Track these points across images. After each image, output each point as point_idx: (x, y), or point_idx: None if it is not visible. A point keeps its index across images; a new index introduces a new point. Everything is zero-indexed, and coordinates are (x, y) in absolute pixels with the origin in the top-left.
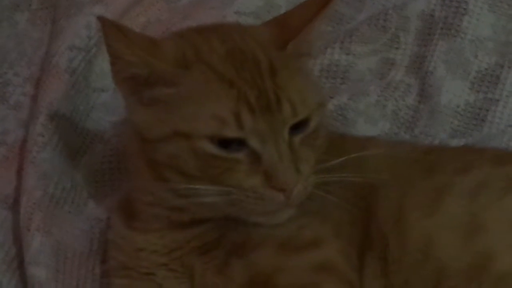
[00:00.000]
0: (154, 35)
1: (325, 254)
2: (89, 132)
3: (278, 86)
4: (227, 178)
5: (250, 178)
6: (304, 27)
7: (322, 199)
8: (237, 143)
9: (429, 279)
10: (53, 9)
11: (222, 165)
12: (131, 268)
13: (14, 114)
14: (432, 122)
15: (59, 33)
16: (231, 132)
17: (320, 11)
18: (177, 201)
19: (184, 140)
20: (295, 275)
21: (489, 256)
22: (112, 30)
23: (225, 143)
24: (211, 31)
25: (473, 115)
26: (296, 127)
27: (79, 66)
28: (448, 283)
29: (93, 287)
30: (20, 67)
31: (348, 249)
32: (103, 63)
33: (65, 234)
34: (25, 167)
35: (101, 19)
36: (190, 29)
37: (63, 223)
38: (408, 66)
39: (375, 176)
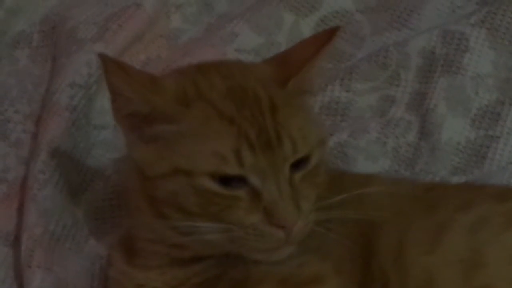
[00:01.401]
0: (154, 72)
1: None
2: (89, 169)
3: (279, 123)
4: (227, 215)
5: (251, 215)
6: (305, 64)
7: (323, 236)
8: (238, 180)
9: None
10: (53, 47)
11: (222, 202)
12: None
13: (14, 151)
14: (433, 159)
15: (59, 70)
16: (231, 169)
17: (321, 48)
18: (178, 239)
19: (184, 177)
20: None
21: None
22: (112, 67)
23: (225, 180)
24: (211, 68)
25: (474, 152)
26: (297, 165)
27: (80, 103)
28: None
29: None
30: (21, 104)
31: (349, 286)
32: (103, 100)
33: (66, 271)
34: (26, 204)
35: (101, 56)
36: (191, 66)
37: (64, 260)
38: (409, 103)
39: (376, 214)
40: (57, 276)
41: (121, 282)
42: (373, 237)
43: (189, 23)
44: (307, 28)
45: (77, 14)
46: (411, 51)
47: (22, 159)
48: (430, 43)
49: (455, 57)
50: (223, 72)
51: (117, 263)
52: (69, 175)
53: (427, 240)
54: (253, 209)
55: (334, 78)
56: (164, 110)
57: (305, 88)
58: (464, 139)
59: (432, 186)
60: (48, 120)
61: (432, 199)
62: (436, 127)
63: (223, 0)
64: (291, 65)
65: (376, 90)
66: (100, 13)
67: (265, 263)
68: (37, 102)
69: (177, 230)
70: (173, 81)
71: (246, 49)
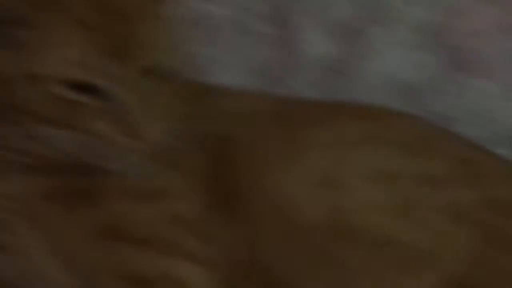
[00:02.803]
0: None
1: (176, 204)
2: None
3: (131, 30)
4: (78, 123)
5: (99, 122)
6: None
7: (175, 148)
8: (87, 87)
9: (288, 235)
10: None
11: (72, 109)
12: None
13: None
14: (292, 74)
15: None
16: (81, 75)
17: None
18: (27, 145)
19: (34, 82)
20: (144, 224)
21: (348, 211)
22: None
23: (75, 86)
24: None
25: (334, 68)
26: (149, 73)
27: None
28: (307, 239)
29: None
30: None
31: (201, 200)
32: None
33: None
34: None
35: None
36: None
37: None
38: (268, 15)
39: (232, 127)
40: None
41: None
42: (229, 152)
43: None
44: None
45: None
46: None
47: None
48: None
49: None
50: None
51: None
52: None
53: (284, 156)
54: (101, 116)
55: None
56: (16, 12)
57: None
58: (324, 54)
59: (290, 100)
60: None
61: (290, 114)
62: (296, 40)
63: None
64: None
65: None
66: None
67: (116, 173)
68: None
69: (26, 136)
70: None
71: None
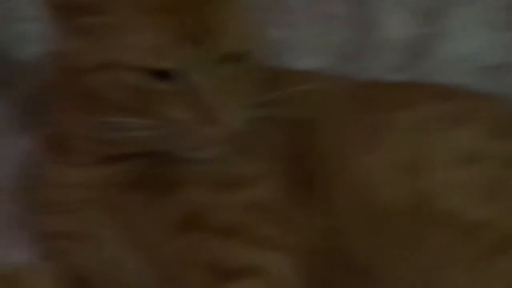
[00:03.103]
0: None
1: (259, 192)
2: (14, 64)
3: (210, 16)
4: (156, 111)
5: (179, 110)
6: None
7: (257, 135)
8: (167, 75)
9: (372, 218)
10: None
11: (151, 97)
12: (58, 204)
13: None
14: (372, 56)
15: None
16: (160, 63)
17: None
18: (107, 135)
19: (112, 71)
20: (227, 213)
21: (432, 194)
22: None
23: (155, 74)
24: None
25: (415, 50)
26: (229, 59)
27: None
28: (392, 221)
29: (21, 224)
30: None
31: (285, 187)
32: None
33: None
34: None
35: None
36: None
37: None
38: None
39: (313, 111)
40: None
41: (47, 181)
42: (311, 137)
43: None
44: None
45: None
46: None
47: None
48: None
49: None
50: None
51: (44, 161)
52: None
53: (366, 140)
54: (182, 104)
55: None
56: (93, 1)
57: None
58: (405, 36)
59: (371, 83)
60: None
61: (371, 97)
62: (375, 22)
63: None
64: None
65: None
66: None
67: (197, 162)
68: None
69: (106, 126)
70: None
71: None
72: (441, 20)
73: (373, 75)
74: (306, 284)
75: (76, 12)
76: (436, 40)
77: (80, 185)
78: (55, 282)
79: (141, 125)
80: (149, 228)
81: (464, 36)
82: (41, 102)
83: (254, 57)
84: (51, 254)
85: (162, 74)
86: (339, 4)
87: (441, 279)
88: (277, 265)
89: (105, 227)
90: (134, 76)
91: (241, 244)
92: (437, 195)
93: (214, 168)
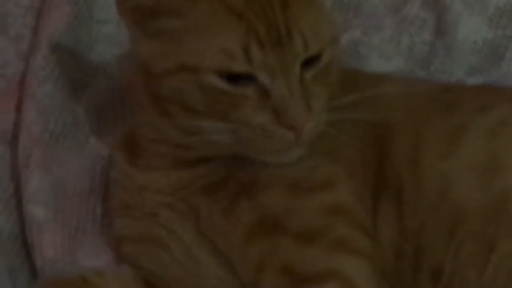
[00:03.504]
0: None
1: (337, 195)
2: (92, 66)
3: (290, 19)
4: (234, 114)
5: (259, 114)
6: None
7: (335, 138)
8: (246, 78)
9: (445, 222)
10: None
11: (229, 101)
12: (133, 207)
13: (14, 46)
14: (449, 59)
15: None
16: (239, 66)
17: None
18: (182, 139)
19: (190, 74)
20: (305, 217)
21: (508, 197)
22: None
23: (233, 77)
24: None
25: (491, 52)
26: (308, 63)
27: None
28: (465, 225)
29: (94, 227)
30: None
31: (361, 190)
32: None
33: (66, 171)
34: (24, 101)
35: None
36: None
37: (63, 160)
38: (424, 0)
39: (390, 115)
40: (56, 176)
41: (123, 184)
42: (387, 140)
43: None
44: None
45: None
46: None
47: (22, 54)
48: None
49: None
50: None
51: (119, 164)
52: (70, 71)
53: (443, 143)
54: (261, 108)
55: None
56: (170, 3)
57: None
58: (481, 39)
59: (448, 86)
60: (49, 14)
61: (448, 100)
62: (452, 25)
63: None
64: None
65: None
66: None
67: (274, 165)
68: None
69: (182, 129)
70: None
71: None
72: None
73: (448, 78)
74: None
75: (152, 15)
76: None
77: (154, 188)
78: (128, 286)
79: (218, 129)
80: (225, 232)
81: None
82: (115, 105)
83: (333, 59)
84: (124, 258)
85: (239, 77)
86: (415, 7)
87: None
88: (356, 270)
89: (180, 231)
90: (212, 79)
91: (320, 248)
92: None
93: (292, 171)
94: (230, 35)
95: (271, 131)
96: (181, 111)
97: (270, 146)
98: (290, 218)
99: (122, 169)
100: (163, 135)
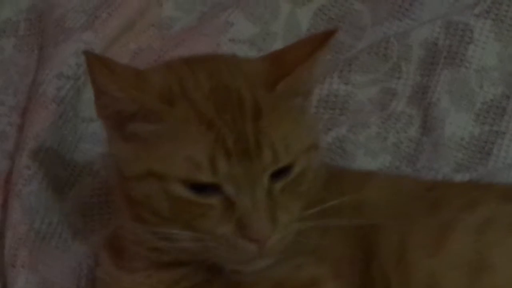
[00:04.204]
0: (145, 63)
1: None
2: (77, 164)
3: (260, 131)
4: (199, 224)
5: (223, 225)
6: (295, 67)
7: (320, 238)
8: (212, 188)
9: None
10: (40, 36)
11: (194, 210)
12: None
13: None
14: (435, 156)
15: (46, 60)
16: (204, 176)
17: (313, 53)
18: (157, 243)
19: (157, 180)
20: None
21: None
22: (97, 65)
23: (199, 187)
24: (199, 64)
25: (478, 149)
26: (278, 173)
27: (67, 95)
28: None
29: None
30: (6, 95)
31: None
32: (92, 92)
33: (52, 270)
34: (10, 200)
35: (86, 53)
36: (181, 59)
37: (49, 259)
38: (410, 97)
39: (375, 215)
40: (42, 276)
41: (108, 284)
42: (374, 239)
43: (182, 11)
44: (305, 17)
45: (65, 1)
46: (413, 42)
47: (7, 153)
48: (432, 34)
49: (459, 49)
50: (211, 69)
51: (104, 264)
52: (56, 170)
53: (430, 241)
54: (225, 219)
55: (332, 70)
56: (148, 109)
57: (298, 90)
58: (468, 135)
59: (434, 184)
60: (34, 113)
61: (435, 198)
62: (439, 121)
63: None
64: (283, 66)
65: (377, 82)
66: (89, 0)
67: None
68: (23, 93)
69: (154, 234)
70: (160, 77)
71: (241, 39)
72: (504, 119)
73: (435, 175)
74: None
75: (131, 119)
76: (499, 139)
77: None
78: None
79: (185, 237)
80: None
81: None
82: (101, 203)
83: (307, 168)
84: None
85: (206, 187)
86: (401, 103)
87: None
88: None
89: None
90: (177, 187)
91: None
92: None
93: (277, 271)
94: (197, 145)
95: (234, 243)
96: (150, 216)
97: (235, 257)
98: None
99: (107, 270)
100: (138, 237)
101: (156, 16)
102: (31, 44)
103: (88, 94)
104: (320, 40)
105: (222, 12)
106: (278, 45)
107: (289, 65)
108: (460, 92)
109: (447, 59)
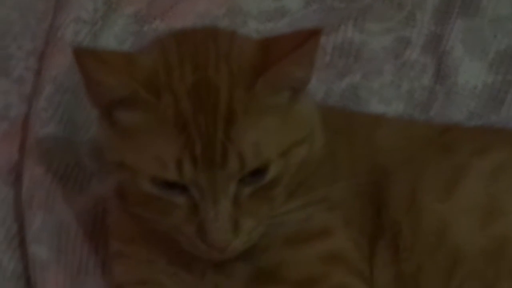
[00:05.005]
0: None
1: (334, 243)
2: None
3: (230, 139)
4: (166, 219)
5: (186, 225)
6: (276, 63)
7: (330, 187)
8: (180, 188)
9: (443, 265)
10: None
11: (162, 206)
12: (128, 255)
13: (17, 88)
14: (448, 104)
15: (64, 5)
16: (171, 176)
17: (296, 49)
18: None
19: (129, 172)
20: (303, 266)
21: (507, 241)
22: (86, 59)
23: (167, 185)
24: (190, 48)
25: (491, 97)
26: (253, 175)
27: (85, 39)
28: (464, 268)
29: (96, 268)
30: (24, 40)
31: (359, 237)
32: (108, 37)
33: (68, 212)
34: (27, 143)
35: (74, 49)
36: (174, 39)
37: (66, 201)
38: (424, 46)
39: (387, 158)
40: (58, 217)
41: (116, 231)
42: (385, 185)
43: None
44: None
45: None
46: None
47: (24, 97)
48: None
49: None
50: (199, 58)
51: (113, 210)
52: (72, 114)
53: (441, 186)
54: (189, 220)
55: (347, 18)
56: (142, 96)
57: (280, 86)
58: (481, 83)
59: (447, 128)
60: (52, 57)
61: (447, 143)
62: (452, 70)
63: None
64: (267, 59)
65: (391, 31)
66: None
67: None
68: (41, 38)
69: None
70: (149, 60)
71: None
72: None
73: (448, 123)
74: None
75: (119, 105)
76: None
77: (146, 237)
78: None
79: (159, 222)
80: (222, 283)
81: None
82: None
83: (282, 171)
84: None
85: (174, 185)
86: (415, 52)
87: None
88: None
89: (182, 274)
90: (146, 183)
91: None
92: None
93: (288, 226)
94: (167, 146)
95: (196, 243)
96: (130, 198)
97: (200, 254)
98: (287, 268)
99: (115, 216)
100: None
101: None
102: None
103: (105, 38)
104: (303, 38)
105: None
106: None
107: (271, 59)
108: (474, 41)
109: (462, 8)
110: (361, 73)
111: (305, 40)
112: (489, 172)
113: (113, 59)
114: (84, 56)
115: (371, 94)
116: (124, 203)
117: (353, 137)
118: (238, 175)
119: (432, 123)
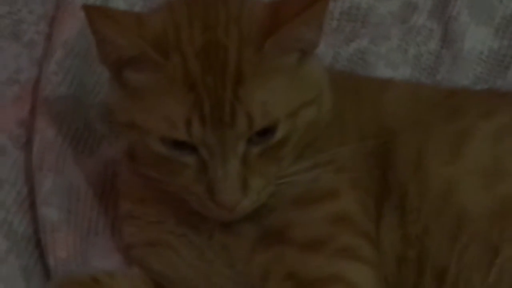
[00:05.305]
0: None
1: (341, 205)
2: (103, 71)
3: (238, 98)
4: (175, 178)
5: (195, 184)
6: (284, 24)
7: (338, 148)
8: (189, 148)
9: (449, 226)
10: None
11: (171, 166)
12: (137, 217)
13: (27, 52)
14: (455, 68)
15: None
16: (180, 136)
17: (304, 10)
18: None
19: (139, 133)
20: (309, 227)
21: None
22: (97, 16)
23: (177, 145)
24: (199, 13)
25: (497, 62)
26: (261, 135)
27: (95, 3)
28: (470, 229)
29: (105, 229)
30: (34, 4)
31: (365, 199)
32: (118, 1)
33: (78, 174)
34: (38, 106)
35: (84, 7)
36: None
37: (76, 163)
38: (431, 11)
39: (393, 121)
40: (68, 179)
41: (125, 193)
42: (392, 147)
43: None
44: None
45: None
46: None
47: (35, 61)
48: None
49: None
50: (208, 18)
51: (123, 172)
52: (83, 77)
53: (447, 149)
54: (198, 179)
55: None
56: (146, 55)
57: (289, 48)
58: (487, 49)
59: (453, 92)
60: (63, 21)
61: (453, 106)
62: (459, 35)
63: None
64: (276, 20)
65: None
66: None
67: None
68: (51, 2)
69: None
70: (159, 20)
71: None
72: None
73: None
74: None
75: (128, 64)
76: None
77: (154, 198)
78: (138, 287)
79: (168, 183)
80: (230, 243)
81: None
82: None
83: (290, 132)
84: (133, 260)
85: (184, 145)
86: (422, 17)
87: None
88: (360, 276)
89: (190, 234)
90: (155, 143)
91: (325, 255)
92: None
93: (295, 188)
94: (176, 106)
95: (205, 203)
96: (139, 159)
97: (207, 212)
98: (294, 229)
99: (125, 178)
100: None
101: None
102: None
103: (115, 3)
104: (311, 1)
105: None
106: None
107: (280, 20)
108: (480, 6)
109: None
110: (369, 37)
111: (314, 1)
112: (494, 134)
113: (123, 19)
114: (95, 14)
115: (378, 59)
116: (134, 164)
117: (361, 100)
118: (247, 135)
119: (438, 87)
